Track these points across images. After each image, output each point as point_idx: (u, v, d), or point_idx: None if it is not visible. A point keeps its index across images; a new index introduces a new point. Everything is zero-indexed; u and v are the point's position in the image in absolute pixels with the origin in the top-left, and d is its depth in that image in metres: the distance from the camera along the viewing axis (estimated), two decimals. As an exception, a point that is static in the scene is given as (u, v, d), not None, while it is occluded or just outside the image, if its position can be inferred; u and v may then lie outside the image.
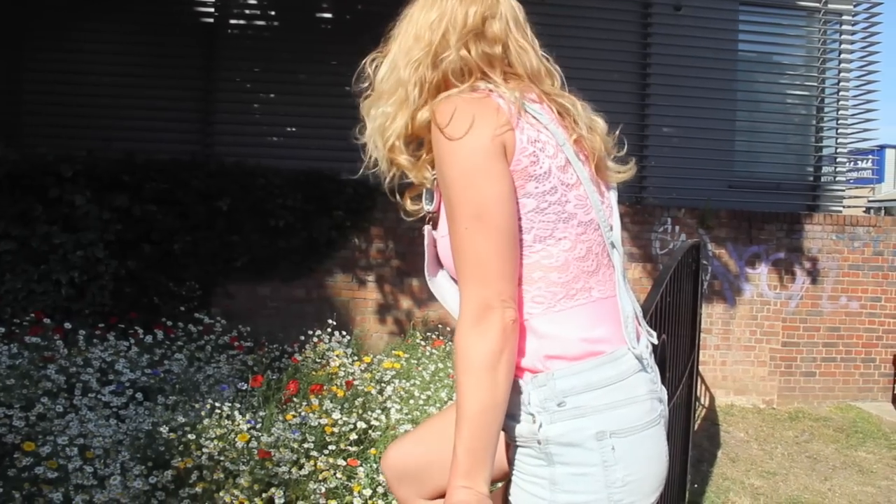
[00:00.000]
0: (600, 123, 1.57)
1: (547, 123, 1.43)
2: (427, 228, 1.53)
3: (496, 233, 1.30)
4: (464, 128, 1.32)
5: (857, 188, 10.11)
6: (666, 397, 1.54)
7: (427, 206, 1.52)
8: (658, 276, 2.77)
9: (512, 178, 1.34)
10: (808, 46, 9.52)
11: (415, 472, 1.67)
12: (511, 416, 1.39)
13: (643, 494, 1.38)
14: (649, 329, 1.55)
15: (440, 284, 1.54)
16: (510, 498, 1.42)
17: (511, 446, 1.44)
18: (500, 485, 1.62)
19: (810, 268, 7.66)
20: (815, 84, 9.43)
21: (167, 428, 3.56)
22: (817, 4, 9.37)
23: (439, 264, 1.53)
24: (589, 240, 1.43)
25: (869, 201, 29.09)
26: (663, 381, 2.32)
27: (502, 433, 1.37)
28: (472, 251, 1.31)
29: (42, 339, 4.49)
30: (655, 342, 1.55)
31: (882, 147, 29.23)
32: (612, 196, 1.57)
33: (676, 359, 3.34)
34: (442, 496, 1.40)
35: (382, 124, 1.50)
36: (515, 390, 1.37)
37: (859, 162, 10.61)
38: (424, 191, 1.52)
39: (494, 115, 1.35)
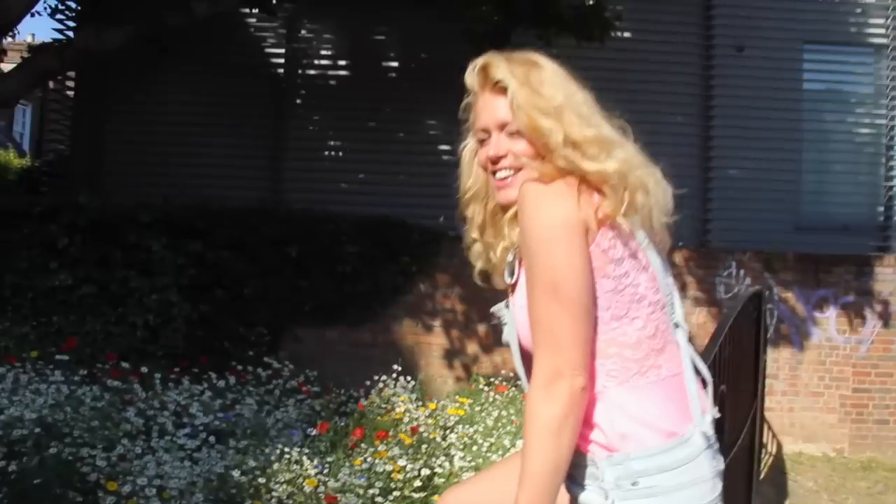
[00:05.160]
0: (667, 195, 1.60)
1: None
2: (503, 310, 1.63)
3: (571, 303, 1.40)
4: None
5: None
6: (723, 466, 1.59)
7: (508, 279, 1.60)
8: (717, 327, 2.81)
9: (590, 255, 1.43)
10: (875, 84, 9.40)
11: None
12: (579, 484, 1.48)
13: None
14: (713, 403, 1.62)
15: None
16: None
17: None
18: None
19: (881, 311, 7.48)
20: (884, 121, 9.29)
21: (239, 471, 3.71)
22: (885, 41, 9.27)
23: (521, 355, 1.60)
24: (657, 319, 1.52)
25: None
26: (722, 431, 2.36)
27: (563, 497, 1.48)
28: (548, 316, 1.41)
29: (122, 381, 4.71)
30: (718, 416, 1.60)
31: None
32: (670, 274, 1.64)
33: (737, 408, 3.35)
34: None
35: None
36: (590, 463, 1.47)
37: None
38: (510, 258, 1.61)
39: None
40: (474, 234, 1.69)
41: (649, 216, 1.53)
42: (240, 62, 8.66)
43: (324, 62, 9.07)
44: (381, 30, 9.02)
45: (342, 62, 9.06)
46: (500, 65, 1.55)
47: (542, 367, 1.40)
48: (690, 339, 1.63)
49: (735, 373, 3.21)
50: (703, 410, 1.53)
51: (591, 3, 7.22)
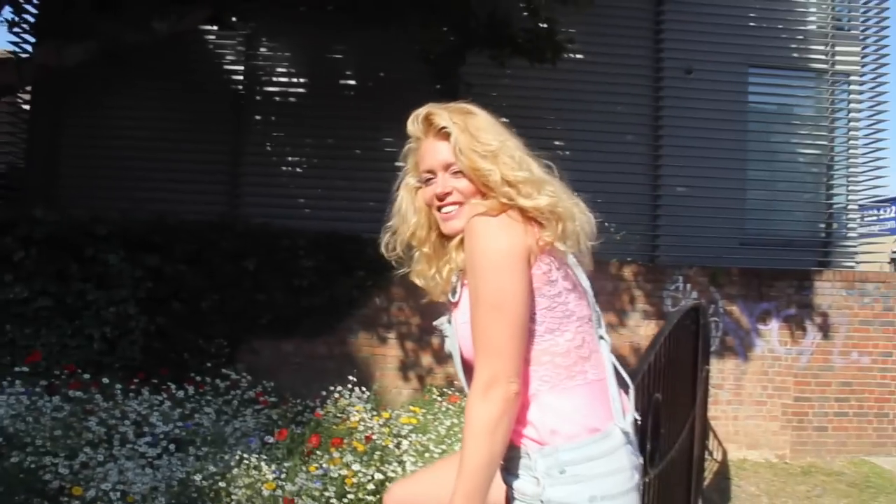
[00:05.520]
0: (590, 222, 1.84)
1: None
2: (444, 325, 1.84)
3: (511, 321, 1.61)
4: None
5: (873, 242, 10.22)
6: (641, 464, 1.82)
7: (452, 297, 1.82)
8: (652, 340, 2.99)
9: (531, 277, 1.65)
10: (816, 106, 9.79)
11: None
12: (514, 474, 1.70)
13: None
14: (633, 406, 1.85)
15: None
16: None
17: (511, 499, 1.73)
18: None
19: (821, 323, 7.80)
20: (825, 142, 9.68)
21: (200, 476, 3.82)
22: (825, 66, 9.67)
23: (462, 362, 1.81)
24: (584, 332, 1.75)
25: (893, 252, 28.94)
26: (657, 436, 2.61)
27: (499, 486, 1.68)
28: (489, 330, 1.62)
29: (83, 392, 4.79)
30: (638, 418, 1.84)
31: (905, 198, 29.21)
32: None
33: (675, 414, 3.54)
34: None
35: None
36: (524, 455, 1.69)
37: (877, 213, 10.78)
38: (454, 279, 1.82)
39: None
40: (423, 260, 1.89)
41: (577, 241, 1.76)
42: (199, 78, 8.77)
43: (282, 79, 9.20)
44: (339, 48, 9.19)
45: (300, 79, 9.21)
46: (442, 114, 1.77)
47: (482, 375, 1.61)
48: (613, 350, 1.86)
49: (671, 382, 3.40)
50: (623, 411, 1.75)
51: (543, 26, 7.44)
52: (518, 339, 1.62)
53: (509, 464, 1.70)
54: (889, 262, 27.11)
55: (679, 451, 3.79)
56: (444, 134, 1.76)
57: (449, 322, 1.82)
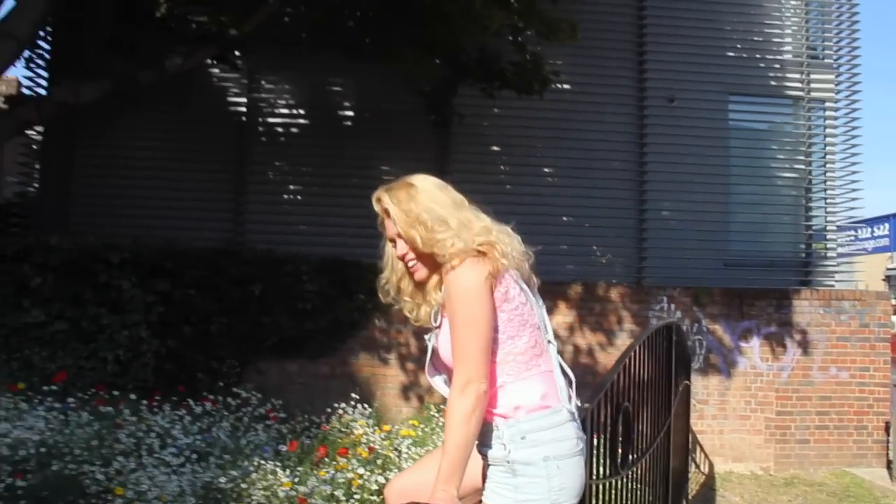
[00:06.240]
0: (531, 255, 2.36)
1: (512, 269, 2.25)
2: (430, 340, 2.33)
3: (480, 337, 2.11)
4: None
5: (851, 262, 10.61)
6: (585, 438, 2.32)
7: (434, 322, 2.32)
8: (620, 355, 3.36)
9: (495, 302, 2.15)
10: (794, 132, 10.23)
11: (410, 494, 2.42)
12: (488, 445, 2.19)
13: (570, 497, 2.17)
14: (576, 395, 2.34)
15: (437, 382, 2.38)
16: (486, 502, 2.19)
17: (486, 466, 2.21)
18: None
19: (800, 340, 8.18)
20: (803, 166, 10.11)
21: (224, 479, 4.21)
22: (801, 93, 10.12)
23: (435, 369, 2.35)
24: (535, 335, 2.25)
25: (888, 269, 29.32)
26: (629, 440, 3.03)
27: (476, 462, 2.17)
28: (464, 345, 2.11)
29: (112, 408, 5.16)
30: (580, 405, 2.36)
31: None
32: (540, 298, 2.39)
33: (648, 421, 3.91)
34: None
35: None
36: (495, 429, 2.17)
37: (861, 230, 11.13)
38: (433, 312, 2.32)
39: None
40: (406, 298, 2.40)
41: (514, 260, 2.25)
42: (204, 111, 9.17)
43: (283, 111, 9.61)
44: (337, 81, 9.61)
45: (300, 111, 9.62)
46: (384, 196, 2.28)
47: (459, 378, 2.09)
48: (559, 352, 2.37)
49: (644, 394, 3.78)
50: (568, 396, 2.25)
51: (530, 60, 7.85)
52: (485, 351, 2.11)
53: (484, 437, 2.17)
54: (883, 280, 27.60)
55: (655, 457, 4.15)
56: (388, 213, 2.27)
57: (433, 337, 2.34)
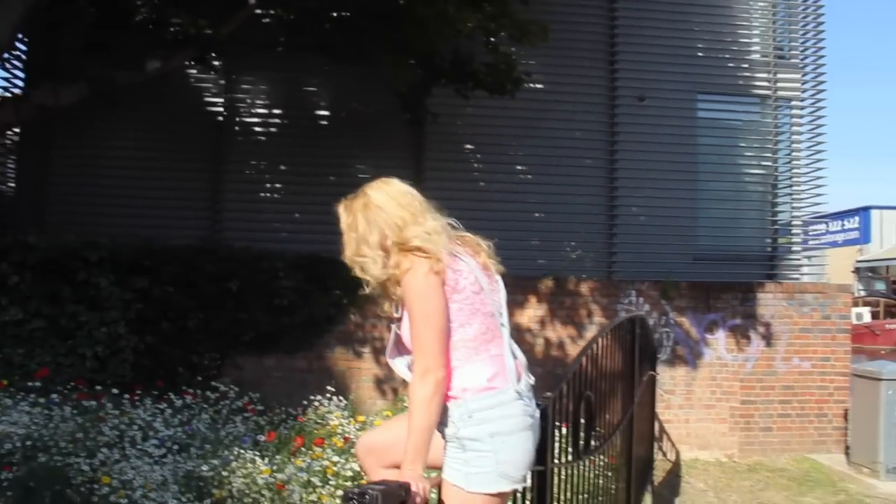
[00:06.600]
0: (489, 246, 2.61)
1: (464, 258, 2.46)
2: (394, 328, 2.53)
3: (435, 328, 2.31)
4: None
5: (816, 256, 10.87)
6: (538, 415, 2.51)
7: (395, 313, 2.51)
8: (583, 348, 3.54)
9: (446, 294, 2.35)
10: (760, 129, 10.48)
11: (378, 450, 2.68)
12: (445, 424, 2.37)
13: (518, 469, 2.36)
14: (530, 374, 2.56)
15: (397, 364, 2.56)
16: (444, 475, 2.39)
17: (445, 444, 2.40)
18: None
19: (764, 332, 8.44)
20: (770, 163, 10.36)
21: (206, 467, 4.40)
22: (768, 92, 10.37)
23: (398, 352, 2.55)
24: (487, 322, 2.45)
25: (857, 262, 29.82)
26: (591, 426, 3.24)
27: (438, 441, 2.36)
28: (422, 337, 2.31)
29: (95, 402, 5.33)
30: (532, 382, 2.53)
31: (867, 208, 30.20)
32: (501, 285, 2.59)
33: (610, 409, 4.11)
34: (394, 467, 2.45)
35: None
36: (449, 409, 2.36)
37: (832, 224, 11.39)
38: (395, 303, 2.51)
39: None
40: (379, 292, 2.58)
41: (478, 253, 2.54)
42: (181, 111, 9.29)
43: (260, 111, 9.74)
44: (313, 82, 9.75)
45: (277, 111, 9.76)
46: (341, 210, 2.55)
47: (419, 366, 2.30)
48: (512, 335, 2.56)
49: (607, 383, 3.98)
50: (518, 377, 2.44)
51: (502, 61, 8.02)
52: (441, 341, 2.31)
53: (442, 418, 2.34)
54: (853, 272, 28.07)
55: (618, 443, 4.37)
56: None
57: (396, 327, 2.54)
